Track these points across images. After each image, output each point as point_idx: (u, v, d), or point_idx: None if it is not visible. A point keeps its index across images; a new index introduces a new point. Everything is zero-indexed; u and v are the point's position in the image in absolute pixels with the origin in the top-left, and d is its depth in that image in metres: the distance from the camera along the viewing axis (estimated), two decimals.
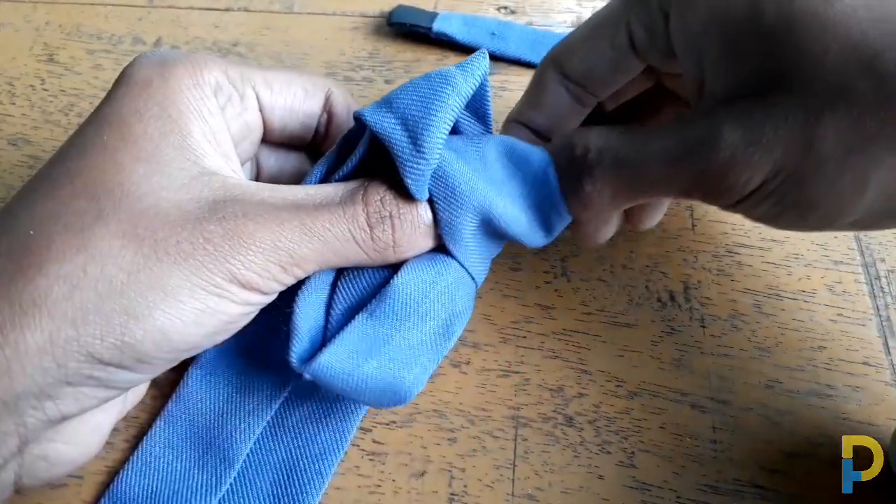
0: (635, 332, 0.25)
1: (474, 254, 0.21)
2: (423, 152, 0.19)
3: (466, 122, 0.22)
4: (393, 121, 0.19)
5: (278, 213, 0.19)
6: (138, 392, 0.22)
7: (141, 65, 0.20)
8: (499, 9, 0.37)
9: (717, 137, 0.18)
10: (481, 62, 0.20)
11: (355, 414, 0.23)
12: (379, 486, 0.22)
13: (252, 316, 0.20)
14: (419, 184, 0.19)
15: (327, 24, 0.36)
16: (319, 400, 0.23)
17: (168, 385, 0.24)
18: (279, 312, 0.23)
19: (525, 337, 0.25)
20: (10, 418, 0.17)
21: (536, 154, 0.21)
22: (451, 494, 0.22)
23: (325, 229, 0.19)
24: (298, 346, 0.20)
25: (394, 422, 0.23)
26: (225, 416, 0.22)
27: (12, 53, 0.36)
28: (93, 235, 0.18)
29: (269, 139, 0.24)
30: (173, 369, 0.24)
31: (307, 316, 0.21)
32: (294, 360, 0.20)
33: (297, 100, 0.23)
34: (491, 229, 0.21)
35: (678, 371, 0.24)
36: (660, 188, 0.20)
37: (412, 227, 0.20)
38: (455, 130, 0.22)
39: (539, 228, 0.22)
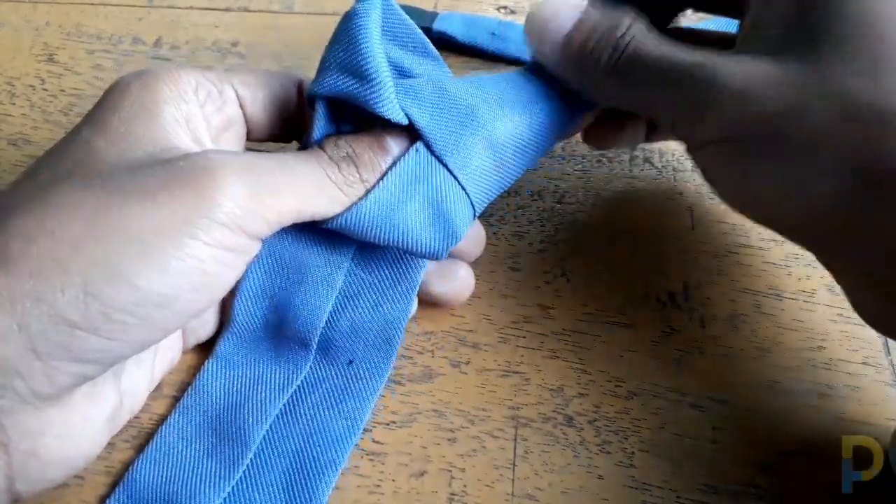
0: (635, 332, 0.25)
1: (477, 179, 0.22)
2: (373, 78, 0.20)
3: (418, 64, 0.23)
4: (334, 75, 0.21)
5: (253, 152, 0.20)
6: (136, 397, 0.22)
7: (123, 77, 0.21)
8: (499, 9, 0.37)
9: (713, 69, 0.18)
10: None
11: (368, 401, 0.23)
12: (379, 485, 0.22)
13: (234, 269, 0.20)
14: (388, 107, 0.21)
15: (327, 24, 0.36)
16: (331, 387, 0.23)
17: (169, 386, 0.24)
18: (290, 304, 0.23)
19: (525, 337, 0.25)
20: None
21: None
22: (451, 494, 0.22)
23: (299, 162, 0.21)
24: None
25: (393, 422, 0.23)
26: (238, 405, 0.23)
27: (12, 53, 0.36)
28: (54, 191, 0.18)
29: (257, 136, 0.24)
30: (178, 370, 0.24)
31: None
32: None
33: (274, 91, 0.23)
34: (499, 148, 0.22)
35: (678, 371, 0.24)
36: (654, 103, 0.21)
37: (371, 162, 0.21)
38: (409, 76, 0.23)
39: (563, 121, 0.23)
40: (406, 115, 0.21)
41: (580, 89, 0.22)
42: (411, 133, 0.22)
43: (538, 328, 0.25)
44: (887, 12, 0.16)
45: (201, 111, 0.22)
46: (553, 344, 0.25)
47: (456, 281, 0.25)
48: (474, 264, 0.26)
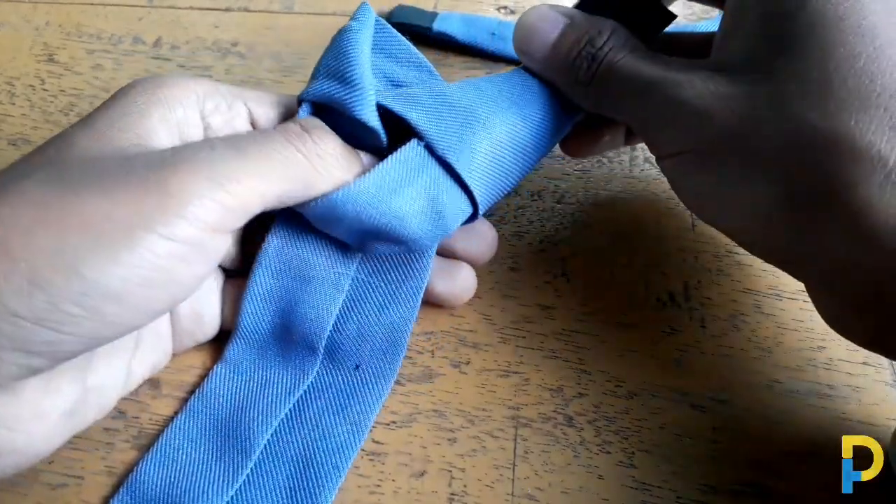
0: (635, 332, 0.25)
1: (481, 178, 0.22)
2: (355, 83, 0.21)
3: (413, 76, 0.24)
4: (320, 81, 0.22)
5: (211, 139, 0.20)
6: (106, 394, 0.21)
7: (134, 80, 0.21)
8: (499, 9, 0.37)
9: (684, 84, 0.19)
10: (364, 9, 0.23)
11: (373, 407, 0.23)
12: (379, 485, 0.22)
13: (194, 267, 0.19)
14: (366, 113, 0.21)
15: (327, 24, 0.36)
16: (338, 392, 0.23)
17: (168, 386, 0.24)
18: (297, 309, 0.23)
19: (525, 337, 0.25)
20: None
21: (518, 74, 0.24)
22: (451, 494, 0.22)
23: (259, 143, 0.20)
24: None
25: (394, 422, 0.23)
26: (244, 408, 0.23)
27: (12, 53, 0.36)
28: (13, 183, 0.18)
29: None
30: (178, 370, 0.24)
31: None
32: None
33: (288, 113, 0.23)
34: (499, 146, 0.22)
35: (678, 371, 0.24)
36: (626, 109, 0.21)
37: (345, 152, 0.22)
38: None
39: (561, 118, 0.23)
40: (406, 119, 0.22)
41: (567, 94, 0.23)
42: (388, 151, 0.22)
43: (538, 328, 0.25)
44: (841, 37, 0.16)
45: (204, 120, 0.22)
46: (553, 344, 0.25)
47: (457, 281, 0.25)
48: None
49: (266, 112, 0.23)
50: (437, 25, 0.34)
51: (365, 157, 0.23)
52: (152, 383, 0.24)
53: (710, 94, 0.18)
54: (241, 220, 0.20)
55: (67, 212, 0.17)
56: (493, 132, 0.22)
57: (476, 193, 0.22)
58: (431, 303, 0.25)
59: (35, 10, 0.38)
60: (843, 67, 0.16)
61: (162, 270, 0.18)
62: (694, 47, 0.24)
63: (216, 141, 0.20)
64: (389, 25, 0.23)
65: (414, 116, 0.22)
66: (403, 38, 0.24)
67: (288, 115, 0.24)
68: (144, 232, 0.17)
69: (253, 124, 0.23)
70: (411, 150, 0.22)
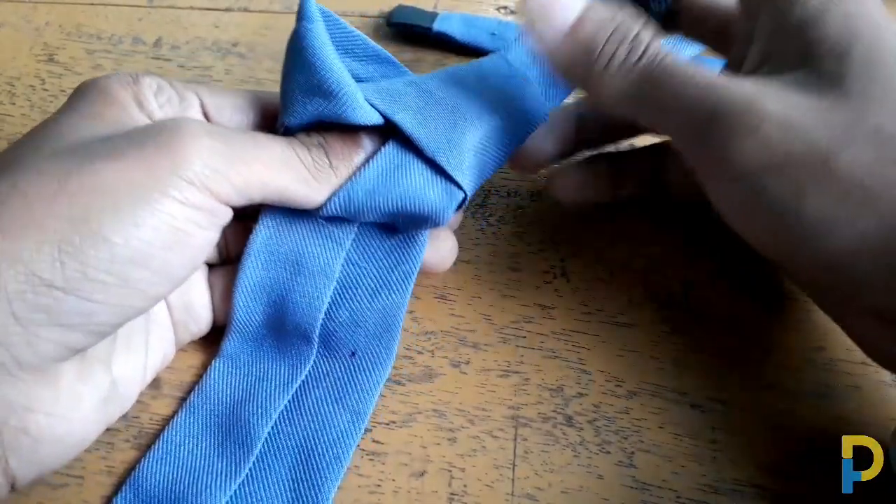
0: (635, 332, 0.25)
1: (472, 176, 0.23)
2: (338, 92, 0.21)
3: (374, 70, 0.24)
4: (301, 102, 0.21)
5: (223, 126, 0.21)
6: (130, 386, 0.22)
7: (89, 79, 0.22)
8: (499, 9, 0.37)
9: (753, 106, 0.17)
10: (307, 4, 0.22)
11: (371, 393, 0.23)
12: (379, 485, 0.22)
13: (208, 233, 0.20)
14: (361, 114, 0.21)
15: None
16: (335, 380, 0.23)
17: (169, 386, 0.24)
18: (291, 298, 0.23)
19: (525, 337, 0.25)
20: None
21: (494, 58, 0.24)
22: (451, 494, 0.22)
23: (269, 140, 0.21)
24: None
25: (393, 422, 0.23)
26: (243, 402, 0.23)
27: (12, 53, 0.36)
28: (23, 157, 0.18)
29: None
30: (178, 370, 0.24)
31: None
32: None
33: (245, 101, 0.23)
34: (485, 141, 0.23)
35: (678, 371, 0.24)
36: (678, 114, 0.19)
37: (343, 153, 0.22)
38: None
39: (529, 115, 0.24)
40: (391, 119, 0.22)
41: (576, 85, 0.21)
42: (386, 132, 0.22)
43: (538, 328, 0.25)
44: (890, 45, 0.17)
45: (162, 112, 0.22)
46: (553, 344, 0.25)
47: (439, 243, 0.25)
48: (475, 264, 0.26)
49: (219, 103, 0.23)
50: (437, 25, 0.34)
51: (368, 141, 0.23)
52: (152, 383, 0.24)
53: (792, 106, 0.17)
54: (242, 201, 0.20)
55: (87, 179, 0.18)
56: (481, 129, 0.22)
57: (465, 185, 0.22)
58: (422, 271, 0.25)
59: (35, 10, 0.38)
60: None
61: (180, 233, 0.19)
62: None
63: (229, 127, 0.21)
64: (338, 17, 0.23)
65: (402, 118, 0.22)
66: (357, 32, 0.23)
67: (248, 108, 0.24)
68: (161, 195, 0.18)
69: (206, 116, 0.23)
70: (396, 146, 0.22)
